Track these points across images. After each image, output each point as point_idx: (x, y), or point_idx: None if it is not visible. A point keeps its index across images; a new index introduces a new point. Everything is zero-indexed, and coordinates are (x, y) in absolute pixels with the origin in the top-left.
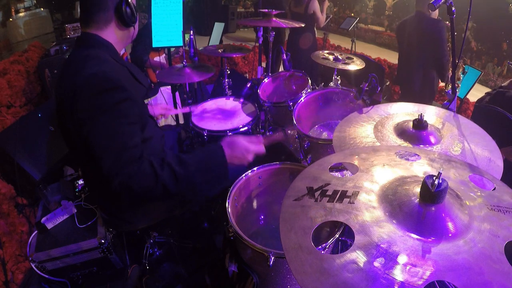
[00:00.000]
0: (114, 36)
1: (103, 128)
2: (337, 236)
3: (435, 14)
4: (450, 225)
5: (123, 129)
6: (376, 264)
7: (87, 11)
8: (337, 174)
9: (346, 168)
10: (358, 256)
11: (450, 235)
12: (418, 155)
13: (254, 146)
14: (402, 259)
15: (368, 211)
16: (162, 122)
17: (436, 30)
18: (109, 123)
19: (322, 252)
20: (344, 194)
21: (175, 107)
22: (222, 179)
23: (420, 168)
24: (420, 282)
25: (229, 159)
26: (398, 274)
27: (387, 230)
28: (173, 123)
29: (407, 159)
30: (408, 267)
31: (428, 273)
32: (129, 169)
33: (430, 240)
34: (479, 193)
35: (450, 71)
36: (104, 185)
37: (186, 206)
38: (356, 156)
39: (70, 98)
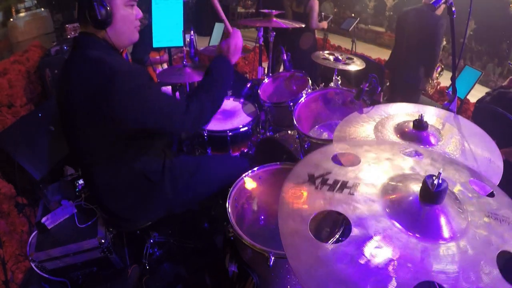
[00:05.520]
0: (106, 35)
1: (151, 99)
2: (337, 236)
3: (439, 10)
4: (447, 227)
5: (162, 94)
6: (369, 257)
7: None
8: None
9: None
10: (353, 248)
11: (446, 237)
12: (421, 154)
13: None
14: (396, 255)
15: (367, 204)
16: None
17: (434, 26)
18: (152, 94)
19: None
20: (344, 185)
21: None
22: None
23: (423, 167)
24: (411, 280)
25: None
26: (390, 269)
27: (384, 225)
28: None
29: (410, 156)
30: (400, 264)
31: (420, 272)
32: (189, 114)
33: (426, 239)
34: (478, 199)
35: (436, 73)
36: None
37: (186, 206)
38: (360, 148)
39: (101, 90)
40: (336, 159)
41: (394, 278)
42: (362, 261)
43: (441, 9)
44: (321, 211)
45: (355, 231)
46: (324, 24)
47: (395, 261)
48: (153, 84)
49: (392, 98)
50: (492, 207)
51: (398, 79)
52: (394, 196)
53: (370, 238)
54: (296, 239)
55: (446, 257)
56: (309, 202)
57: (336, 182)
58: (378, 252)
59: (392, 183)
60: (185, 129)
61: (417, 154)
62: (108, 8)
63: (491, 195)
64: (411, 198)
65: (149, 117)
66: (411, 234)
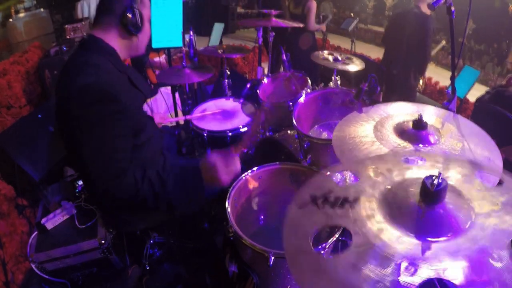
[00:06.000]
0: (116, 42)
1: (92, 139)
2: (337, 236)
3: (429, 11)
4: (450, 224)
5: (112, 142)
6: (372, 264)
7: (97, 10)
8: (338, 175)
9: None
10: (354, 257)
11: (449, 234)
12: (424, 159)
13: (230, 168)
14: (399, 259)
15: (367, 214)
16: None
17: (423, 26)
18: (98, 135)
19: (322, 252)
20: (345, 200)
21: (175, 107)
22: (199, 199)
23: (425, 171)
24: (417, 281)
25: (206, 181)
26: (395, 273)
27: (385, 231)
28: (173, 123)
29: (412, 164)
30: (404, 267)
31: (425, 271)
32: (113, 182)
33: (429, 239)
34: (485, 190)
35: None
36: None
37: (186, 207)
38: (361, 164)
39: (65, 104)
40: (338, 179)
41: (397, 281)
42: (363, 268)
43: (429, 11)
44: (322, 226)
45: (356, 240)
46: (323, 27)
47: (398, 264)
48: (115, 122)
49: (388, 96)
50: (501, 195)
51: (391, 78)
52: (394, 202)
53: (371, 245)
54: (300, 255)
55: (452, 253)
56: (311, 221)
57: (337, 199)
58: (380, 258)
59: (393, 190)
60: (96, 186)
61: (420, 159)
62: (140, 17)
63: (500, 183)
64: (411, 200)
65: (84, 154)
66: (413, 236)
